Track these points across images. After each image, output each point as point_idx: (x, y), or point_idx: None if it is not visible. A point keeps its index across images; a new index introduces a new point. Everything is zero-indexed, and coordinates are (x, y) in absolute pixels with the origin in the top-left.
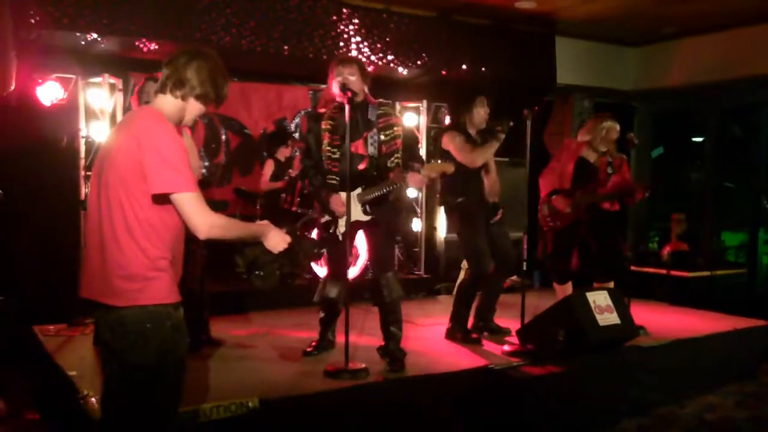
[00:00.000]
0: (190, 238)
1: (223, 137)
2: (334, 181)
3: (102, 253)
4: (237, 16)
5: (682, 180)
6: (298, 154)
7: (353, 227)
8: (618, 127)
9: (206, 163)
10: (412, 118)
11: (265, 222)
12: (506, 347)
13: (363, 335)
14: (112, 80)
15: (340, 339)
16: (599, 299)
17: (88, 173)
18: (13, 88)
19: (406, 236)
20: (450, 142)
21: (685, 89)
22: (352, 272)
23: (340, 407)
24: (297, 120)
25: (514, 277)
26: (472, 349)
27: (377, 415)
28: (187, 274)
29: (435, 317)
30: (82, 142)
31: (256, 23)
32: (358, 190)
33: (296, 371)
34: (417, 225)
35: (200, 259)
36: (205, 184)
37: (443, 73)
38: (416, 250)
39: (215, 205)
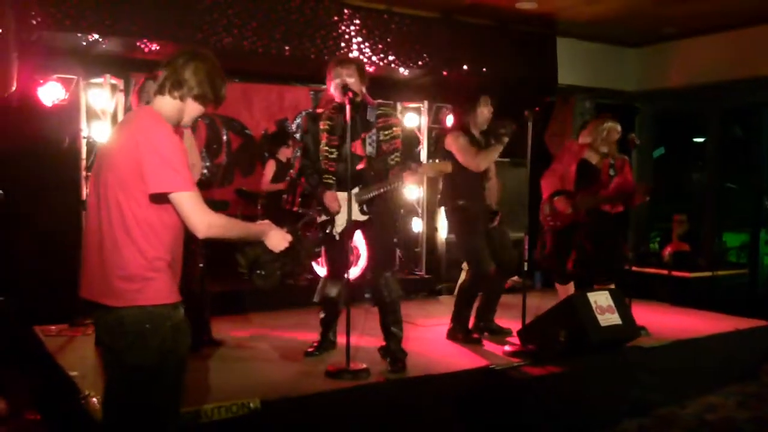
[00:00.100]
0: (189, 238)
1: (225, 138)
2: (330, 181)
3: (101, 254)
4: (239, 16)
5: (684, 180)
6: (299, 154)
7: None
8: (619, 127)
9: (207, 164)
10: (414, 118)
11: (266, 221)
12: (507, 348)
13: (364, 336)
14: (114, 81)
15: (341, 339)
16: (601, 300)
17: (89, 174)
18: (14, 88)
19: (405, 236)
20: (453, 143)
21: (686, 90)
22: (353, 272)
23: (341, 408)
24: (298, 120)
25: (515, 278)
26: (473, 350)
27: (378, 415)
28: (187, 274)
29: (436, 318)
30: (84, 142)
31: (257, 24)
32: (356, 190)
33: (297, 372)
34: (418, 225)
35: (200, 259)
36: (206, 185)
37: (444, 73)
38: (417, 250)
39: (215, 206)
